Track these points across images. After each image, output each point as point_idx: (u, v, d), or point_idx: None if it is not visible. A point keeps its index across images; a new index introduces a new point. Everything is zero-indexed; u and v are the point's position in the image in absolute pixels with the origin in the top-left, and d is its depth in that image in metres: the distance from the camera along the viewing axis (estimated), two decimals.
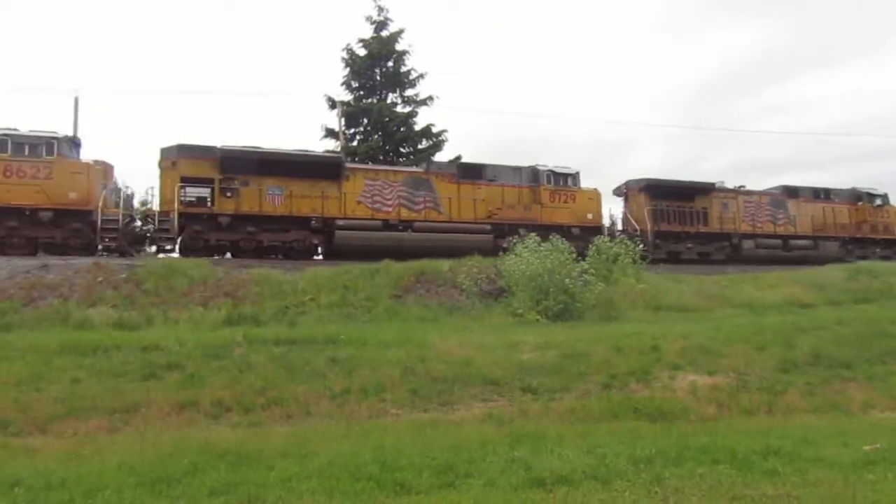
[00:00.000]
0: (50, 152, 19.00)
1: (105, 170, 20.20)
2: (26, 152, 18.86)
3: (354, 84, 31.98)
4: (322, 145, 31.70)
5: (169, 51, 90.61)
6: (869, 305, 18.50)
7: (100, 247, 19.36)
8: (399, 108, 31.70)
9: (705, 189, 27.95)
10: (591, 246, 20.30)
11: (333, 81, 47.86)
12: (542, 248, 17.96)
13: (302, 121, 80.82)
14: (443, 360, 10.90)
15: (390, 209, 22.48)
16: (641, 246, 22.84)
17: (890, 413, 9.70)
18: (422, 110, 31.85)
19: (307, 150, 22.64)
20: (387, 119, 30.70)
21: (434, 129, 31.53)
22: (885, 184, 37.30)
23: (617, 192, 27.89)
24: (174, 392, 9.44)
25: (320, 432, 8.18)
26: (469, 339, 12.30)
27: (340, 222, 21.34)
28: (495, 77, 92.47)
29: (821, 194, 30.94)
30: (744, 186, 29.82)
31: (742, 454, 6.79)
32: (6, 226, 18.62)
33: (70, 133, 21.69)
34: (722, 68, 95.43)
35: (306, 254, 21.35)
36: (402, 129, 30.88)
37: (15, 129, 19.15)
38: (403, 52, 31.87)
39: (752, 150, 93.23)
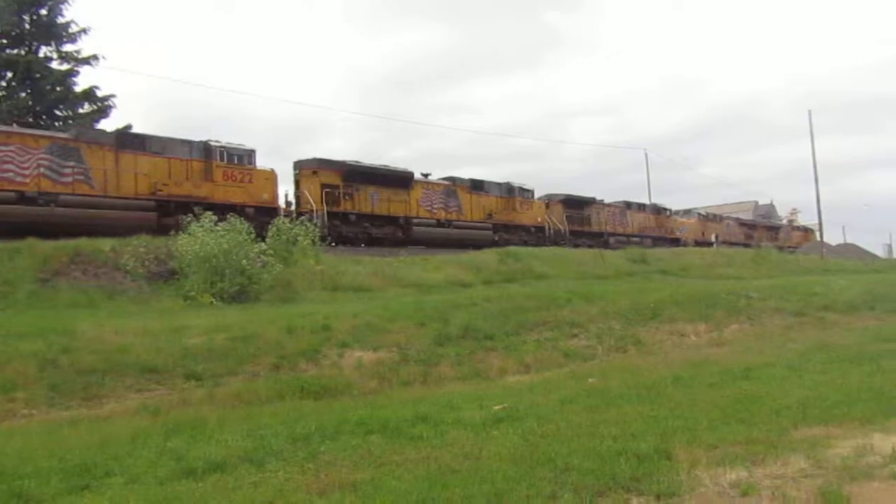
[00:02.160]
0: (251, 162, 23.71)
1: (276, 176, 24.99)
2: (235, 161, 23.23)
3: None
4: None
5: None
6: (513, 284, 21.34)
7: None
8: (55, 65, 27.62)
9: (589, 202, 39.65)
10: (270, 227, 20.15)
11: None
12: (218, 228, 17.23)
13: None
14: (93, 350, 9.77)
15: (436, 211, 29.93)
16: (563, 241, 34.30)
17: (519, 377, 11.27)
18: (84, 70, 28.19)
19: (389, 165, 29.11)
20: (38, 76, 26.51)
21: (99, 93, 28.17)
22: (534, 180, 46.26)
23: (541, 199, 36.87)
24: None
25: None
26: (128, 326, 11.24)
27: (415, 220, 28.36)
28: (180, 48, 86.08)
29: (641, 207, 44.42)
30: (603, 200, 41.29)
31: (394, 423, 7.24)
32: (222, 218, 20.63)
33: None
34: (408, 65, 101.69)
35: (395, 244, 27.01)
36: (57, 88, 26.96)
37: (217, 141, 23.36)
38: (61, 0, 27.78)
39: (430, 143, 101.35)
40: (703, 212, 52.07)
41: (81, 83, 27.98)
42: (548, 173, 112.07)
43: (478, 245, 28.28)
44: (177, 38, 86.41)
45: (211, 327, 11.61)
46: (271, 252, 18.26)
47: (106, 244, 17.13)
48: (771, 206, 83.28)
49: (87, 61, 28.05)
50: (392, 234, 27.74)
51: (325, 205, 24.86)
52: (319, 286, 18.35)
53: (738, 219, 58.31)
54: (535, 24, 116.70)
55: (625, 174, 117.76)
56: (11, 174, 18.69)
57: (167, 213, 21.02)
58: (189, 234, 17.06)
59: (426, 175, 30.73)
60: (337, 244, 24.05)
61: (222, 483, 5.54)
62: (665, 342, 14.00)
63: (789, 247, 56.81)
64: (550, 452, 5.83)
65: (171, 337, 10.93)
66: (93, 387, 8.93)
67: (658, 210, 45.86)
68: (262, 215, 22.76)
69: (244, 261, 16.59)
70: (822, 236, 52.33)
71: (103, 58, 28.24)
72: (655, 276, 27.75)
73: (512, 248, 27.05)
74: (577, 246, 34.43)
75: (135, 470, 5.88)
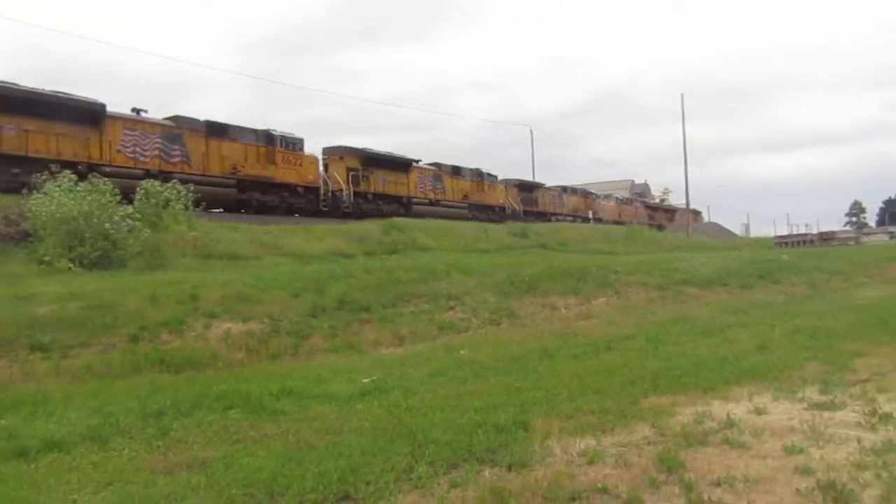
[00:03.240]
0: (301, 148, 28.35)
1: (319, 160, 29.71)
2: (290, 147, 27.64)
3: None
4: None
5: None
6: (396, 256, 21.28)
7: (322, 208, 28.37)
8: None
9: (537, 186, 46.83)
10: (139, 189, 18.95)
11: None
12: (79, 189, 16.01)
13: None
14: None
15: (428, 192, 35.48)
16: (519, 219, 38.87)
17: (393, 349, 11.24)
18: None
19: (393, 152, 33.94)
20: None
21: None
22: (424, 151, 47.58)
23: (500, 183, 42.21)
24: None
25: None
26: None
27: (414, 200, 33.93)
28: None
29: (574, 192, 52.02)
30: (546, 185, 48.21)
31: (256, 397, 7.01)
32: (281, 195, 27.10)
33: None
34: (292, 27, 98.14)
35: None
36: None
37: (275, 130, 27.74)
38: None
39: (315, 110, 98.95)
40: (619, 196, 60.99)
41: None
42: (438, 145, 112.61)
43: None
44: None
45: (65, 295, 10.78)
46: (138, 216, 17.22)
47: None
48: (645, 186, 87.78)
49: None
50: (396, 211, 31.98)
51: (350, 185, 29.77)
52: (191, 253, 17.52)
53: (644, 202, 67.30)
54: None
55: (511, 148, 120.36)
56: (138, 155, 22.67)
57: (243, 190, 25.50)
58: (45, 193, 15.74)
59: (417, 161, 35.64)
60: (359, 218, 28.71)
61: (58, 463, 5.19)
62: (537, 315, 14.41)
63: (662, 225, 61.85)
64: (412, 425, 5.84)
65: (17, 304, 10.06)
66: None
67: (586, 194, 53.92)
68: (309, 194, 28.30)
69: (107, 224, 15.52)
70: (688, 216, 55.83)
71: None
72: (534, 251, 28.57)
73: (397, 220, 26.97)
74: (528, 222, 38.76)
75: None
